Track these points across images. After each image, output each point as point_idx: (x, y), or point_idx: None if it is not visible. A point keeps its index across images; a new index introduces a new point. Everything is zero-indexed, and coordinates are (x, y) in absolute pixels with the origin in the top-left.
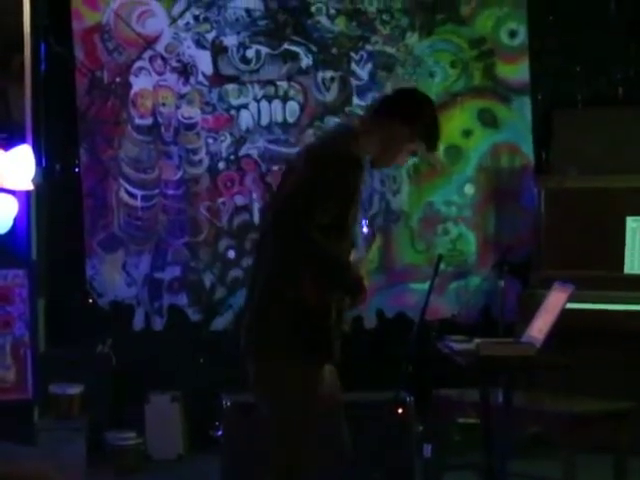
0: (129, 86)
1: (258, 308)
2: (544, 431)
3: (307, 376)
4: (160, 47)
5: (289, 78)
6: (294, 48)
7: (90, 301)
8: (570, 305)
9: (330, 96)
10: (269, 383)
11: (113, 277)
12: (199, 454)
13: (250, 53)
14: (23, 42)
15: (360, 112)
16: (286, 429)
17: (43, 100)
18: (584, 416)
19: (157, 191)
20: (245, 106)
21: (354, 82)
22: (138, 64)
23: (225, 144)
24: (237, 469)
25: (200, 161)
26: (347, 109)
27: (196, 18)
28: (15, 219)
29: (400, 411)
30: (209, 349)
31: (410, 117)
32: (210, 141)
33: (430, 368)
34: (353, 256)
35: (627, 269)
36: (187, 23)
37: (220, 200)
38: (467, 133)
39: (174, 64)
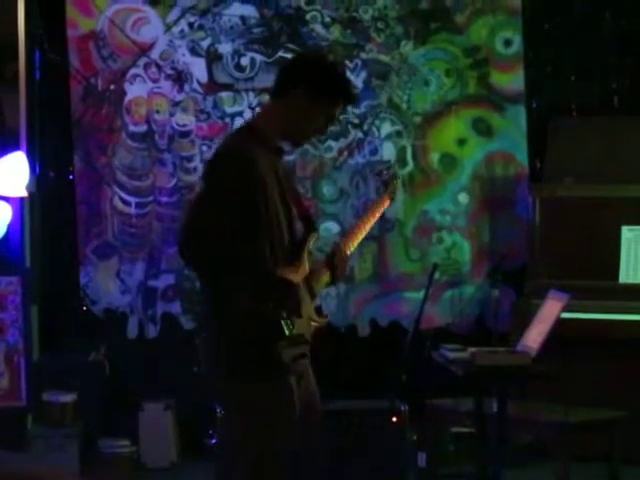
0: (123, 93)
1: (208, 333)
2: (538, 440)
3: (260, 394)
4: (155, 54)
5: None
6: (289, 56)
7: (84, 308)
8: (565, 314)
9: None
10: (228, 406)
11: (107, 285)
12: (193, 462)
13: (245, 61)
14: (17, 49)
15: (355, 121)
16: (248, 452)
17: (37, 107)
18: (578, 425)
19: (151, 198)
20: (240, 114)
21: None
22: (132, 71)
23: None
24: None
25: (194, 169)
26: (341, 118)
27: (191, 25)
28: (9, 226)
29: (394, 420)
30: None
31: (302, 78)
32: (204, 149)
33: (424, 377)
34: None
35: (622, 278)
36: (182, 30)
37: None
38: (462, 142)
39: (169, 71)
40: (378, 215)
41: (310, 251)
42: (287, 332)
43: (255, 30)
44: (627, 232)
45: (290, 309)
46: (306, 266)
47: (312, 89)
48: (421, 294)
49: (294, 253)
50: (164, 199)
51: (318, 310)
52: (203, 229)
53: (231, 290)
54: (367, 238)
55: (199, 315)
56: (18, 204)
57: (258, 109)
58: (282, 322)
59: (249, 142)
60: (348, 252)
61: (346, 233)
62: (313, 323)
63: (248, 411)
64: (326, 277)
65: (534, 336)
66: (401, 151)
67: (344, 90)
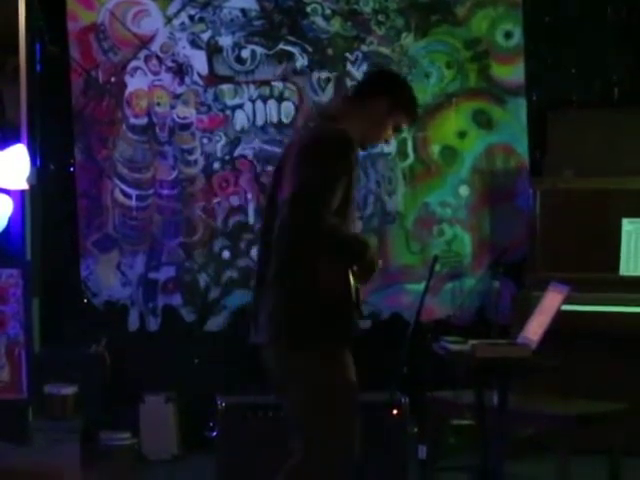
0: (124, 86)
1: (279, 300)
2: (539, 433)
3: (339, 361)
4: (155, 47)
5: (284, 78)
6: (289, 48)
7: (85, 301)
8: (565, 307)
9: (325, 97)
10: (304, 372)
11: (108, 277)
12: (194, 455)
13: (245, 53)
14: (18, 42)
15: None
16: (321, 414)
17: (38, 100)
18: (579, 418)
19: (152, 191)
20: (240, 106)
21: (349, 83)
22: (133, 64)
23: (220, 144)
24: (232, 470)
25: (195, 161)
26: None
27: (191, 18)
28: (10, 219)
29: (395, 412)
30: (204, 349)
31: (384, 89)
32: (205, 141)
33: (425, 369)
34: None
35: (623, 271)
36: (182, 23)
37: (215, 200)
38: (462, 134)
39: (169, 64)
40: None
41: None
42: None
43: (255, 23)
44: (627, 224)
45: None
46: None
47: (391, 102)
48: (422, 286)
49: None
50: (165, 192)
51: None
52: (320, 199)
53: (336, 261)
54: (368, 230)
55: (255, 288)
56: (19, 197)
57: (335, 102)
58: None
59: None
60: None
61: None
62: None
63: (326, 378)
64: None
65: (535, 328)
66: (402, 143)
67: (415, 108)
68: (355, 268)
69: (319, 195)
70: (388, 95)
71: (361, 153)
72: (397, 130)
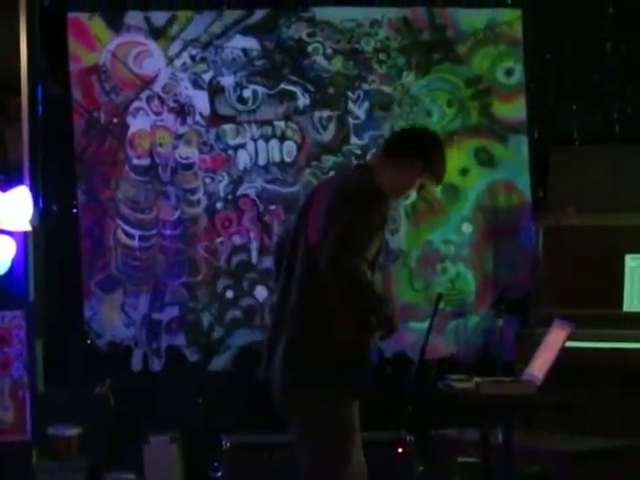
0: (126, 126)
1: (303, 340)
2: (544, 470)
3: (346, 409)
4: (157, 87)
5: (286, 118)
6: (291, 88)
7: (88, 342)
8: (569, 343)
9: (327, 135)
10: (314, 413)
11: (111, 318)
12: None
13: (247, 93)
14: (20, 83)
15: (357, 151)
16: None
17: (40, 141)
18: (584, 455)
19: (155, 231)
20: (242, 146)
21: (351, 121)
22: (135, 104)
23: (223, 184)
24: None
25: (198, 201)
26: (344, 148)
27: (193, 58)
28: (12, 260)
29: (400, 450)
30: (208, 389)
31: (421, 154)
32: (208, 181)
33: (430, 408)
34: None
35: (626, 307)
36: (184, 63)
37: (218, 240)
38: (464, 172)
39: (171, 104)
40: None
41: None
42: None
43: (257, 62)
44: (630, 261)
45: (389, 337)
46: None
47: (424, 167)
48: (426, 324)
49: None
50: (168, 232)
51: None
52: (355, 250)
53: (360, 313)
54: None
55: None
56: (22, 238)
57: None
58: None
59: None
60: None
61: None
62: None
63: (332, 424)
64: None
65: (539, 365)
66: None
67: (444, 173)
68: (375, 323)
69: (361, 245)
70: (423, 160)
71: None
72: (422, 188)
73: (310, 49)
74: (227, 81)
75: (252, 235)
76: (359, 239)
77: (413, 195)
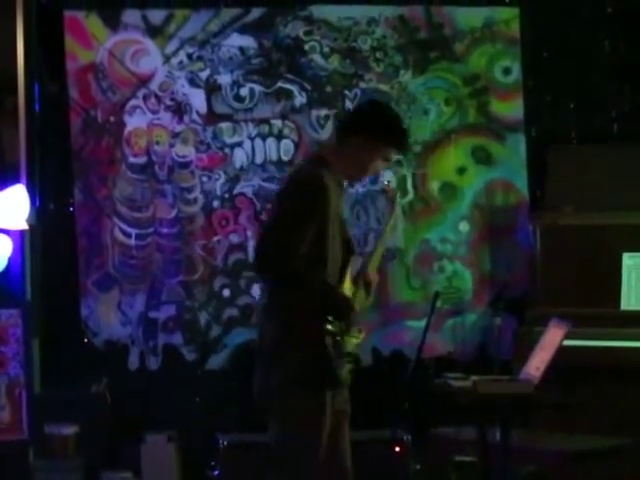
0: (123, 125)
1: (270, 341)
2: (541, 469)
3: (312, 406)
4: (154, 86)
5: (283, 116)
6: (288, 86)
7: (85, 340)
8: (566, 342)
9: (324, 134)
10: (283, 418)
11: (108, 316)
12: None
13: (244, 91)
14: (17, 82)
15: None
16: (290, 459)
17: (37, 140)
18: (581, 454)
19: (152, 230)
20: (239, 144)
21: None
22: (132, 103)
23: (219, 182)
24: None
25: (194, 199)
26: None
27: (190, 57)
28: (9, 259)
29: (397, 449)
30: (205, 388)
31: (361, 131)
32: (204, 179)
33: (427, 406)
34: (353, 268)
35: (623, 305)
36: (181, 62)
37: (215, 238)
38: (461, 170)
39: (168, 103)
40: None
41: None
42: (343, 351)
43: (254, 61)
44: (628, 259)
45: (348, 327)
46: (347, 286)
47: (372, 139)
48: (423, 323)
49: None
50: (164, 230)
51: None
52: (281, 245)
53: (299, 304)
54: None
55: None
56: (18, 237)
57: (326, 140)
58: (342, 339)
59: (323, 172)
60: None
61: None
62: (355, 340)
63: (300, 417)
64: (361, 295)
65: (536, 364)
66: (401, 180)
67: (400, 140)
68: (330, 313)
69: (282, 243)
70: (364, 135)
71: (360, 190)
72: (387, 161)
73: (307, 47)
74: (224, 79)
75: (249, 234)
76: (285, 234)
77: (411, 194)
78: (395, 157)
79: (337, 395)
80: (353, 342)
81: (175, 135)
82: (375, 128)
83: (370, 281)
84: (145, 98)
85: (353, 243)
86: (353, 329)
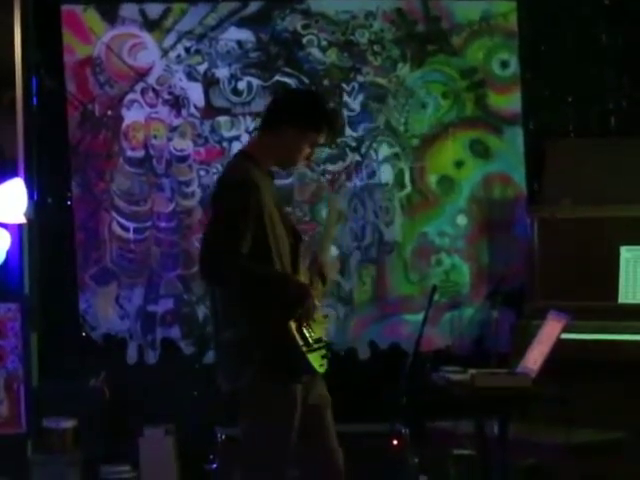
0: (121, 119)
1: (220, 350)
2: (540, 463)
3: (281, 402)
4: (152, 79)
5: None
6: (286, 80)
7: (83, 334)
8: (564, 335)
9: None
10: (252, 414)
11: (106, 310)
12: None
13: (242, 85)
14: (14, 76)
15: (352, 143)
16: (254, 452)
17: (35, 134)
18: (579, 447)
19: (149, 224)
20: (237, 138)
21: (346, 113)
22: (130, 97)
23: (217, 176)
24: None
25: (192, 193)
26: (339, 140)
27: (187, 50)
28: (7, 253)
29: (395, 443)
30: (203, 382)
31: (292, 118)
32: (202, 173)
33: (425, 400)
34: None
35: (622, 299)
36: (178, 55)
37: None
38: (459, 164)
39: (166, 96)
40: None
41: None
42: (310, 338)
43: (252, 54)
44: (626, 252)
45: (309, 312)
46: (303, 274)
47: (295, 126)
48: (421, 316)
49: (292, 264)
50: (162, 224)
51: None
52: (219, 252)
53: (254, 302)
54: (366, 261)
55: (215, 324)
56: (16, 231)
57: (252, 136)
58: (305, 330)
59: (248, 168)
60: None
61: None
62: (322, 326)
63: (269, 413)
64: (317, 283)
65: (534, 357)
66: (399, 174)
67: (325, 120)
68: (287, 301)
69: (223, 241)
70: (288, 121)
71: (357, 184)
72: (316, 145)
73: (305, 41)
74: (222, 73)
75: None
76: (223, 235)
77: (408, 187)
78: (325, 139)
79: (311, 389)
80: (321, 328)
81: (173, 129)
82: (295, 114)
83: (325, 273)
84: (143, 92)
85: (298, 230)
86: (317, 315)
